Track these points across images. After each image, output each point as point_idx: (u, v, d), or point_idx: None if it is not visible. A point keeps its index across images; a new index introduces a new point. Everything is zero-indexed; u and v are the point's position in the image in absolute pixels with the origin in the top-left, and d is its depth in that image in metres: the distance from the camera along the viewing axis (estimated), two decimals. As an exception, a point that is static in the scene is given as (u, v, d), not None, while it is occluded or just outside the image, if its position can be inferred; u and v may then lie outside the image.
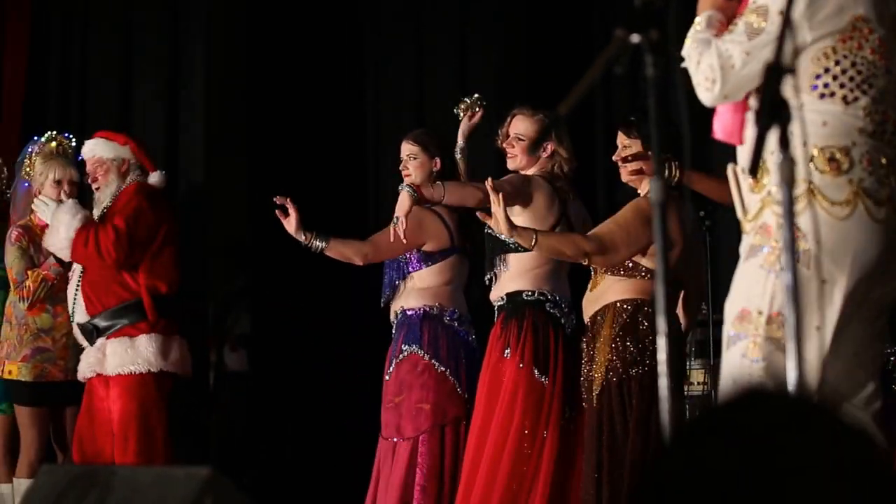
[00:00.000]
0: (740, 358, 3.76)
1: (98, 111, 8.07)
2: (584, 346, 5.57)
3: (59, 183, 6.78)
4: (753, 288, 3.75)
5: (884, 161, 3.74)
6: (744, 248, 3.85)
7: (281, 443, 7.49)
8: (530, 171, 5.90)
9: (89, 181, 6.66)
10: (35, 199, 6.57)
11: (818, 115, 3.71)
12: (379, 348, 6.36)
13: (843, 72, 3.74)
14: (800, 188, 3.63)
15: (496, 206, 5.31)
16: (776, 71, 2.59)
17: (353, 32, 7.96)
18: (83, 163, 6.80)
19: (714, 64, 3.75)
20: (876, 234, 3.69)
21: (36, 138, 7.06)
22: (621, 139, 5.59)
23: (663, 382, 2.83)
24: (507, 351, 5.74)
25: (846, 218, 3.66)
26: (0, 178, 7.27)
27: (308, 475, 7.31)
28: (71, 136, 7.02)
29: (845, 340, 3.78)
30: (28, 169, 6.93)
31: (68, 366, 6.75)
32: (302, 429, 7.45)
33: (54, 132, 7.04)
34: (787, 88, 2.72)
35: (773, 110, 2.57)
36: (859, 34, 3.75)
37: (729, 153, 3.96)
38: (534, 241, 5.30)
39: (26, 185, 7.00)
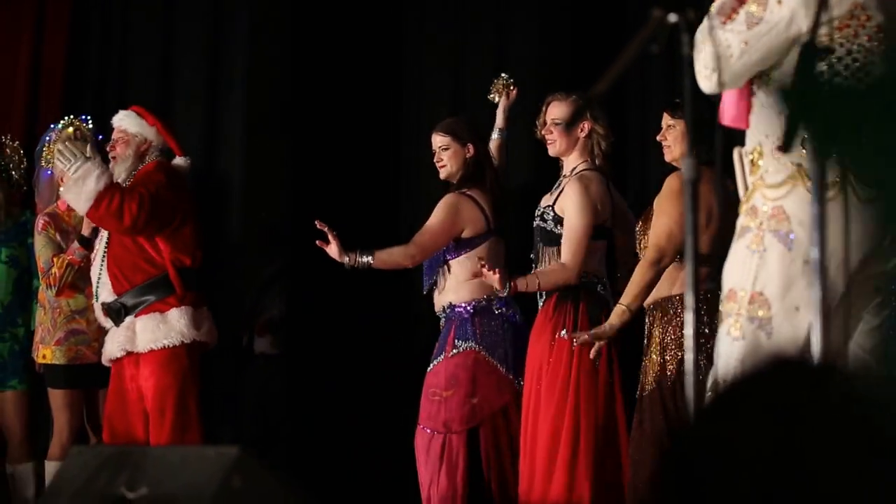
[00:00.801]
0: (725, 335, 3.83)
1: (137, 94, 7.99)
2: (647, 333, 5.69)
3: None
4: (740, 268, 3.82)
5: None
6: (737, 228, 3.92)
7: (312, 424, 7.51)
8: (572, 157, 5.95)
9: (108, 149, 6.63)
10: (59, 146, 6.38)
11: None
12: (410, 333, 6.39)
13: (839, 59, 3.77)
14: (786, 172, 3.68)
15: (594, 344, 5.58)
16: (811, 49, 2.62)
17: (394, 18, 7.94)
18: (103, 142, 6.82)
19: (713, 53, 3.80)
20: (863, 213, 3.73)
21: (53, 126, 7.05)
22: (666, 119, 5.65)
23: (689, 357, 2.88)
24: (563, 332, 5.79)
25: (830, 200, 3.69)
26: (18, 165, 7.26)
27: (338, 456, 7.31)
28: (88, 119, 7.00)
29: (842, 316, 3.83)
30: (48, 156, 6.95)
31: (102, 349, 6.70)
32: (333, 410, 7.45)
33: (71, 116, 7.02)
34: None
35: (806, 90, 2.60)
36: (857, 21, 3.77)
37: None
38: (629, 313, 5.49)
39: (48, 173, 7.02)
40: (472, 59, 7.56)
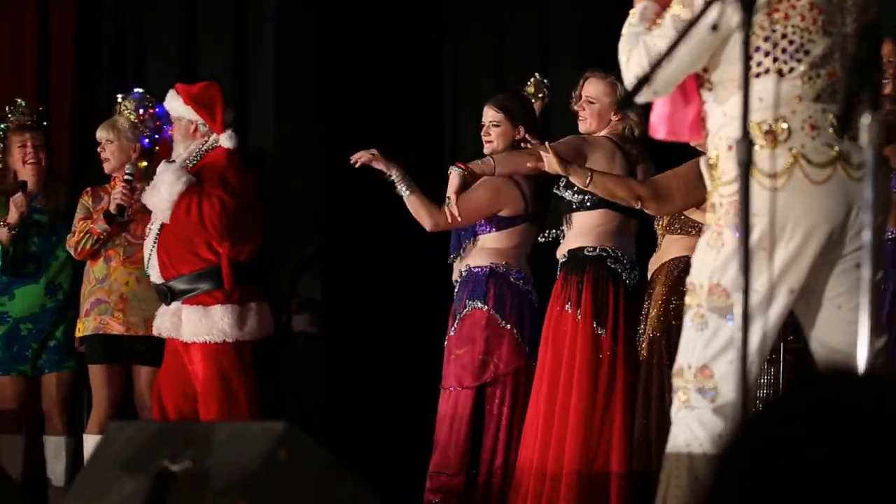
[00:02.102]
0: (689, 324, 3.88)
1: (159, 74, 7.96)
2: (645, 303, 5.76)
3: (99, 142, 6.86)
4: (700, 263, 3.87)
5: (832, 121, 3.76)
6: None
7: (353, 402, 7.55)
8: (601, 134, 5.98)
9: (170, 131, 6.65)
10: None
11: (754, 94, 3.73)
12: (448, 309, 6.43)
13: (775, 45, 3.75)
14: (737, 168, 3.73)
15: (545, 151, 5.50)
16: (874, 31, 2.64)
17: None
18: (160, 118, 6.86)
19: (643, 62, 3.77)
20: (819, 196, 3.73)
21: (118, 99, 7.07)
22: None
23: (739, 336, 2.92)
24: (567, 305, 5.86)
25: (782, 188, 3.72)
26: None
27: (376, 434, 7.35)
28: (135, 94, 6.99)
29: (829, 299, 3.86)
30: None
31: (129, 320, 6.75)
32: (371, 389, 7.49)
33: (131, 93, 7.04)
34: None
35: (867, 70, 2.62)
36: (787, 4, 3.74)
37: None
38: (588, 179, 5.46)
39: None
40: (512, 38, 7.55)
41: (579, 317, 5.83)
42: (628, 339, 5.84)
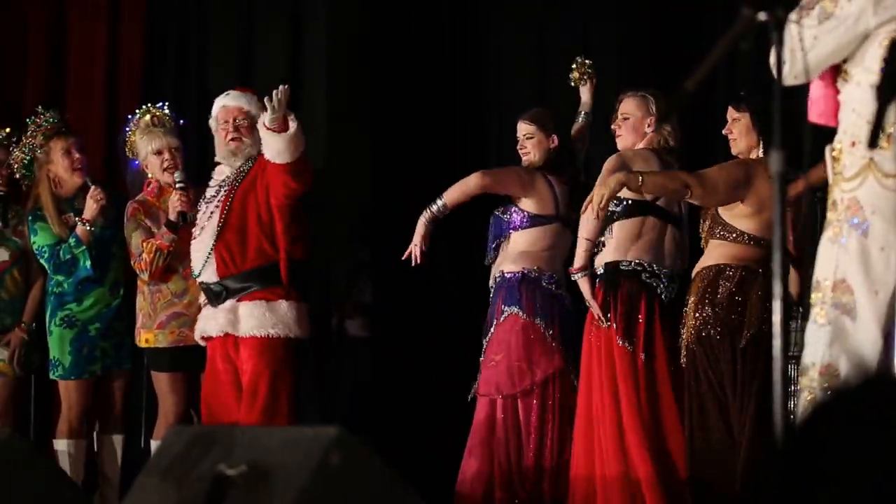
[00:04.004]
0: (812, 323, 3.94)
1: (218, 82, 7.99)
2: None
3: (158, 153, 6.79)
4: (824, 259, 3.94)
5: None
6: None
7: (403, 406, 7.61)
8: (639, 147, 6.10)
9: (228, 129, 6.49)
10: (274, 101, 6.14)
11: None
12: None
13: None
14: (859, 165, 3.80)
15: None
16: (893, 45, 2.69)
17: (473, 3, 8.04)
18: (184, 129, 6.87)
19: (786, 46, 3.91)
20: None
21: (130, 116, 7.06)
22: (731, 113, 5.80)
23: (777, 343, 2.98)
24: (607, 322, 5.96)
25: (893, 190, 3.80)
26: (11, 158, 7.19)
27: (430, 437, 7.40)
28: (165, 105, 6.99)
29: None
30: (132, 147, 6.95)
31: None
32: (421, 393, 7.55)
33: (148, 105, 7.02)
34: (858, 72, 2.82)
35: (894, 84, 2.68)
36: None
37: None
38: (640, 181, 5.53)
39: (137, 163, 7.01)
40: (552, 42, 7.63)
41: (616, 333, 5.93)
42: (668, 351, 5.91)
